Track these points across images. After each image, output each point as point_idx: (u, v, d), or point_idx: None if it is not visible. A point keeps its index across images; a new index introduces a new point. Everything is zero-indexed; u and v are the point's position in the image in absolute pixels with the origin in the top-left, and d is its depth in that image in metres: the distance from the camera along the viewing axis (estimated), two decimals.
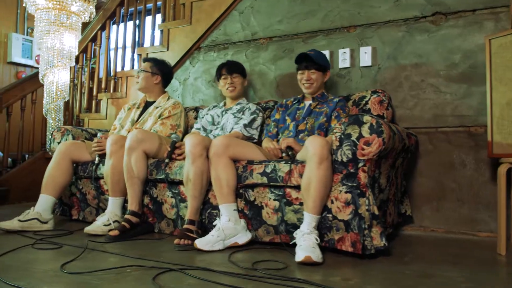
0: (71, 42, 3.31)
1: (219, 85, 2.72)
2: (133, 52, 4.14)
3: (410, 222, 2.48)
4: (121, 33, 3.90)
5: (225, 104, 2.71)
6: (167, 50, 3.36)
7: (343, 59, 2.71)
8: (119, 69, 3.77)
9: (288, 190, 1.94)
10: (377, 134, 1.76)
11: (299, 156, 2.02)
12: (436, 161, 2.46)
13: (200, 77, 3.24)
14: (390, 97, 2.42)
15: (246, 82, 2.72)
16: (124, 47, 3.79)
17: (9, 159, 3.90)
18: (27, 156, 3.80)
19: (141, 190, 2.29)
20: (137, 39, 3.75)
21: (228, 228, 1.94)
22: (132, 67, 3.68)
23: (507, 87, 1.98)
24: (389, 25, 2.61)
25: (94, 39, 3.85)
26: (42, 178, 2.44)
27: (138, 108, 2.85)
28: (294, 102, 2.47)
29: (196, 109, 2.97)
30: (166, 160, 2.25)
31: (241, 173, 2.04)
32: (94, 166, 2.50)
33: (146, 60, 2.91)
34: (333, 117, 2.27)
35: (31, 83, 3.76)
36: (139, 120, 2.77)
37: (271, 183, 1.96)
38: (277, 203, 1.96)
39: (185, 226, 2.03)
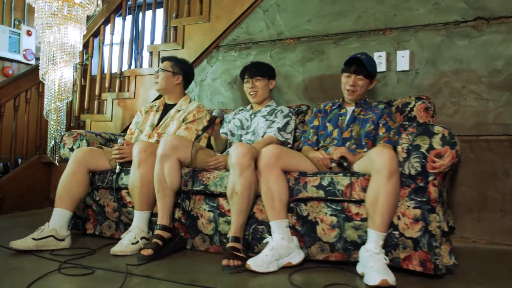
0: (75, 36, 3.05)
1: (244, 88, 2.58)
2: (135, 50, 3.91)
3: (450, 233, 2.39)
4: (127, 28, 3.64)
5: (252, 107, 2.55)
6: (182, 48, 3.15)
7: (379, 63, 2.59)
8: (125, 67, 3.52)
9: (347, 204, 1.80)
10: (449, 146, 1.65)
11: (357, 168, 1.89)
12: (477, 170, 2.38)
13: (219, 78, 3.06)
14: (434, 104, 2.32)
15: (274, 83, 2.56)
16: (132, 42, 3.56)
17: (0, 164, 3.58)
18: (20, 160, 3.49)
19: (173, 203, 2.10)
20: (142, 35, 3.51)
21: (283, 247, 1.79)
22: (140, 65, 3.44)
23: None
24: (428, 29, 2.52)
25: (96, 34, 3.58)
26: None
27: (157, 111, 2.64)
28: (334, 108, 2.33)
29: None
30: (200, 133, 2.11)
31: (293, 185, 1.89)
32: (114, 176, 2.28)
33: (166, 58, 2.70)
34: (380, 125, 2.15)
35: (26, 80, 3.45)
36: (160, 124, 2.56)
37: (329, 197, 1.82)
38: (334, 219, 1.82)
39: (231, 244, 1.86)
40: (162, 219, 2.06)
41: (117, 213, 2.32)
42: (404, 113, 2.30)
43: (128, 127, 3.18)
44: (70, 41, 3.03)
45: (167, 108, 2.65)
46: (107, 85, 3.48)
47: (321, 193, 1.83)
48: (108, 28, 3.54)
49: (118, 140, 2.36)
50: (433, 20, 2.50)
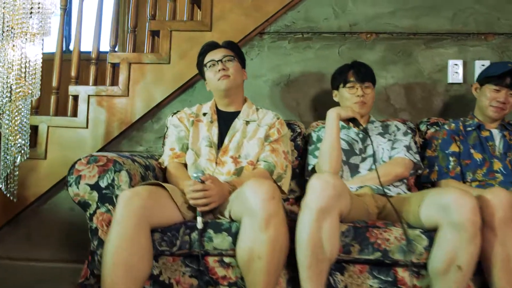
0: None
1: (337, 96, 1.90)
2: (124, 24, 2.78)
3: None
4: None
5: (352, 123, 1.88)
6: (210, 30, 2.26)
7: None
8: (104, 47, 2.42)
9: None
10: None
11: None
12: None
13: (264, 76, 2.27)
14: None
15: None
16: (118, 13, 2.49)
17: None
18: None
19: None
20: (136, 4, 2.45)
21: None
22: (133, 47, 2.38)
23: None
24: None
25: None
26: None
27: (211, 122, 1.77)
28: (470, 129, 1.83)
29: (290, 126, 2.01)
30: None
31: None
32: (196, 235, 1.39)
33: (231, 44, 1.84)
34: None
35: None
36: (225, 142, 1.71)
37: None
38: None
39: None
40: None
41: None
42: None
43: (113, 139, 2.21)
44: (34, 5, 1.87)
45: (224, 117, 1.80)
46: (73, 73, 2.34)
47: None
48: None
49: (193, 174, 1.45)
50: None
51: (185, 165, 1.72)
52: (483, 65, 2.19)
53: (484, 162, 1.74)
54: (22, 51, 1.87)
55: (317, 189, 1.28)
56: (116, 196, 1.44)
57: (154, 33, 2.37)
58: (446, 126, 1.88)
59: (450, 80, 2.22)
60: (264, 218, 1.26)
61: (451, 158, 1.78)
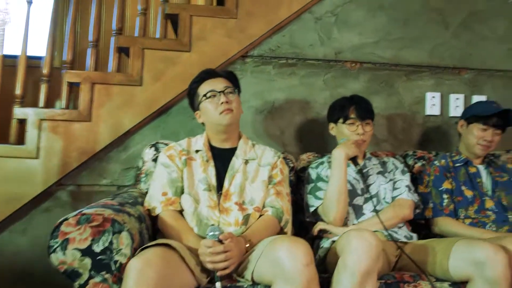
0: None
1: (334, 130, 1.83)
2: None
3: None
4: None
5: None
6: (189, 50, 2.05)
7: (456, 106, 2.27)
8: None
9: None
10: None
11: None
12: None
13: (247, 101, 2.11)
14: None
15: None
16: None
17: None
18: None
19: None
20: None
21: None
22: (94, 67, 2.06)
23: None
24: (501, 75, 2.35)
25: None
26: None
27: (207, 161, 1.59)
28: (459, 165, 1.88)
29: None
30: None
31: None
32: None
33: (231, 74, 1.67)
34: None
35: None
36: (224, 185, 1.54)
37: None
38: None
39: None
40: None
41: None
42: None
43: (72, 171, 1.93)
44: None
45: (220, 155, 1.63)
46: (18, 91, 1.98)
47: None
48: None
49: (210, 232, 1.27)
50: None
51: (180, 212, 1.52)
52: (457, 99, 2.29)
53: (474, 199, 1.79)
54: None
55: (359, 251, 1.18)
56: (116, 263, 1.20)
57: (122, 50, 2.08)
58: (436, 162, 1.90)
59: (428, 112, 2.27)
60: (304, 284, 1.13)
61: (444, 196, 1.80)
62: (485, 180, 1.86)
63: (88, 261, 1.19)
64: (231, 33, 2.09)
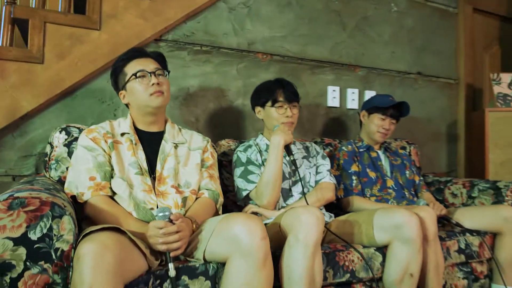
0: None
1: (261, 113, 1.92)
2: None
3: None
4: None
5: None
6: (99, 29, 1.93)
7: (352, 99, 2.59)
8: None
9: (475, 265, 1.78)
10: None
11: (470, 224, 1.87)
12: None
13: None
14: None
15: None
16: None
17: None
18: None
19: None
20: None
21: None
22: None
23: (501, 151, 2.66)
24: (387, 74, 2.75)
25: None
26: None
27: (135, 144, 1.55)
28: (362, 150, 2.16)
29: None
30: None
31: None
32: (169, 284, 1.20)
33: (161, 55, 1.63)
34: (414, 172, 2.20)
35: None
36: (157, 168, 1.52)
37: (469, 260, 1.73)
38: (465, 282, 1.75)
39: None
40: None
41: None
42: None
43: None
44: None
45: (147, 139, 1.59)
46: None
47: (463, 258, 1.71)
48: None
49: (158, 212, 1.25)
50: (392, 66, 2.75)
51: (110, 197, 1.43)
52: (353, 93, 2.59)
53: (377, 179, 2.07)
54: None
55: (309, 225, 1.27)
56: (57, 250, 1.09)
57: (17, 22, 1.85)
58: (344, 148, 2.13)
59: (329, 104, 2.53)
60: (261, 258, 1.18)
61: (353, 177, 2.04)
62: (384, 163, 2.15)
63: (22, 250, 1.05)
64: (145, 14, 2.02)
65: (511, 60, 3.40)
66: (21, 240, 1.06)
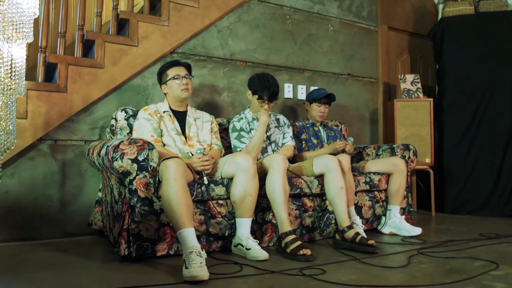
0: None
1: (250, 96, 3.05)
2: None
3: None
4: None
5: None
6: (137, 46, 3.08)
7: (301, 93, 3.86)
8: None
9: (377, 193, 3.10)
10: (415, 156, 3.32)
11: (375, 169, 3.18)
12: None
13: None
14: None
15: None
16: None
17: None
18: None
19: None
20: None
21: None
22: (63, 51, 2.86)
23: (405, 128, 4.04)
24: (326, 75, 4.05)
25: None
26: None
27: (172, 118, 2.73)
28: (309, 125, 3.43)
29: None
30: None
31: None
32: (204, 188, 2.39)
33: (188, 66, 2.79)
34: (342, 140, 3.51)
35: None
36: (188, 132, 2.71)
37: (372, 189, 3.04)
38: (370, 202, 3.06)
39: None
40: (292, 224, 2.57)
41: (204, 226, 2.41)
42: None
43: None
44: (23, 6, 2.32)
45: (177, 115, 2.77)
46: None
47: (368, 187, 3.03)
48: None
49: (197, 149, 2.44)
50: (329, 69, 4.06)
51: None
52: (302, 88, 3.87)
53: (318, 144, 3.35)
54: (8, 51, 2.27)
55: (279, 160, 2.50)
56: (150, 167, 2.26)
57: (86, 42, 2.96)
58: (297, 124, 3.38)
59: (285, 96, 3.79)
60: (253, 172, 2.38)
61: (303, 142, 3.32)
62: (323, 134, 3.43)
63: (135, 165, 2.22)
64: (165, 35, 3.19)
65: (417, 65, 4.83)
66: (134, 160, 2.22)
